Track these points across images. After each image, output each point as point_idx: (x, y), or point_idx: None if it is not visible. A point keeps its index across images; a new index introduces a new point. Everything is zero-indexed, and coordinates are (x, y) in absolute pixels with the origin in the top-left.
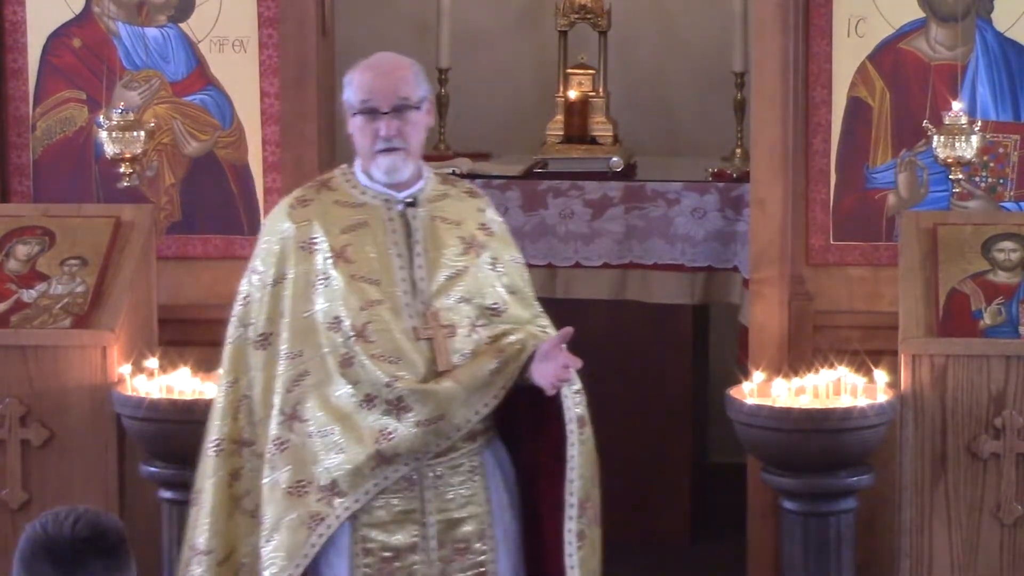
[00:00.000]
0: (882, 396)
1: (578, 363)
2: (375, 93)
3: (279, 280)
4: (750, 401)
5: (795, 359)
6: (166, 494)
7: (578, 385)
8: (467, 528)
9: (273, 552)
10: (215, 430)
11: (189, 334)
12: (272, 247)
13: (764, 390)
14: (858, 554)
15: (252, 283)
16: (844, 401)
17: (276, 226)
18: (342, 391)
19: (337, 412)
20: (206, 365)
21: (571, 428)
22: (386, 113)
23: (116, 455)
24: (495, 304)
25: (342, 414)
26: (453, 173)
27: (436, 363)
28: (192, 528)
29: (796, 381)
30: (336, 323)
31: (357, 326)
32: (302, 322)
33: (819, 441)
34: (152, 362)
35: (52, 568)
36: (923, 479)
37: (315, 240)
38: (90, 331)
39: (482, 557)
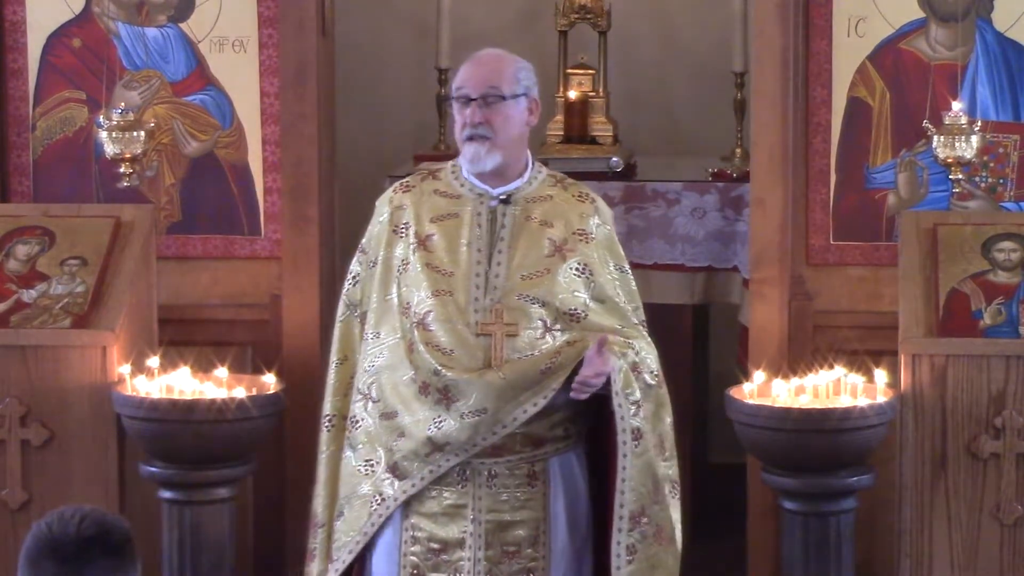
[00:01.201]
0: (882, 396)
1: (605, 371)
2: (467, 81)
3: (375, 263)
4: (750, 401)
5: (795, 359)
6: (166, 494)
7: (638, 396)
8: (519, 532)
9: (341, 526)
10: (327, 407)
11: (189, 334)
12: (374, 229)
13: (764, 390)
14: (858, 554)
15: (360, 263)
16: (844, 401)
17: (380, 209)
18: (407, 376)
19: (402, 396)
20: (206, 365)
21: (623, 439)
22: (474, 100)
23: (116, 455)
24: (574, 310)
25: (405, 398)
26: None
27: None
28: (313, 499)
29: (796, 381)
30: (407, 309)
31: (419, 313)
32: (383, 305)
33: (819, 441)
34: (152, 362)
35: (57, 567)
36: (923, 479)
37: (405, 226)
38: (90, 331)
39: (532, 564)
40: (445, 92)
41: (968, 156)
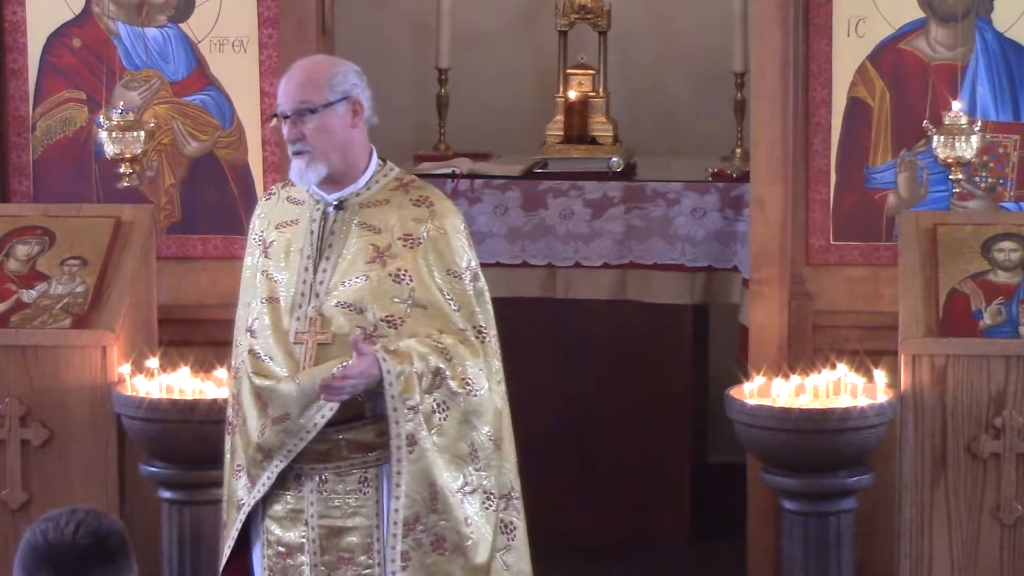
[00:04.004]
0: (882, 396)
1: (352, 374)
2: (282, 96)
3: (246, 269)
4: (750, 401)
5: (795, 359)
6: (166, 494)
7: (415, 400)
8: (352, 539)
9: (224, 531)
10: (228, 413)
11: (189, 334)
12: (248, 237)
13: (764, 390)
14: (858, 554)
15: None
16: (844, 401)
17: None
18: (248, 383)
19: (248, 402)
20: (206, 365)
21: (397, 444)
22: (287, 117)
23: (116, 455)
24: (390, 316)
25: (247, 405)
26: (453, 173)
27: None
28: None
29: (796, 381)
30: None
31: (248, 321)
32: (241, 312)
33: (819, 441)
34: (152, 362)
35: (55, 575)
36: (923, 479)
37: (260, 234)
38: (90, 331)
39: (367, 571)
40: (446, 92)
41: (968, 156)
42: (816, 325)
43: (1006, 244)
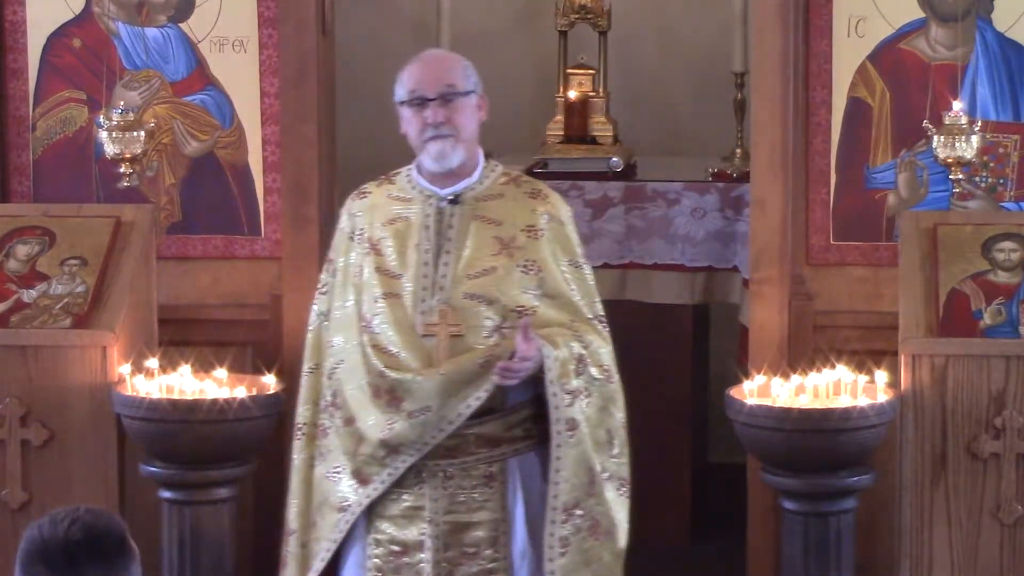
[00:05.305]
0: (882, 396)
1: (529, 355)
2: (421, 83)
3: (336, 271)
4: (750, 401)
5: (795, 359)
6: (166, 494)
7: (575, 384)
8: (478, 533)
9: (314, 535)
10: (299, 416)
11: (189, 334)
12: (336, 238)
13: (764, 390)
14: (858, 554)
15: (327, 271)
16: (844, 401)
17: (340, 217)
18: (362, 381)
19: (359, 401)
20: (206, 365)
21: (557, 428)
22: (432, 100)
23: (116, 455)
24: (521, 307)
25: (362, 403)
26: None
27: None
28: (287, 507)
29: (796, 381)
30: (362, 314)
31: (367, 317)
32: (341, 311)
33: (819, 441)
34: (152, 362)
35: (47, 571)
36: (923, 479)
37: (360, 232)
38: (90, 331)
39: (492, 564)
40: None
41: (968, 156)
42: (816, 325)
43: (1006, 244)
